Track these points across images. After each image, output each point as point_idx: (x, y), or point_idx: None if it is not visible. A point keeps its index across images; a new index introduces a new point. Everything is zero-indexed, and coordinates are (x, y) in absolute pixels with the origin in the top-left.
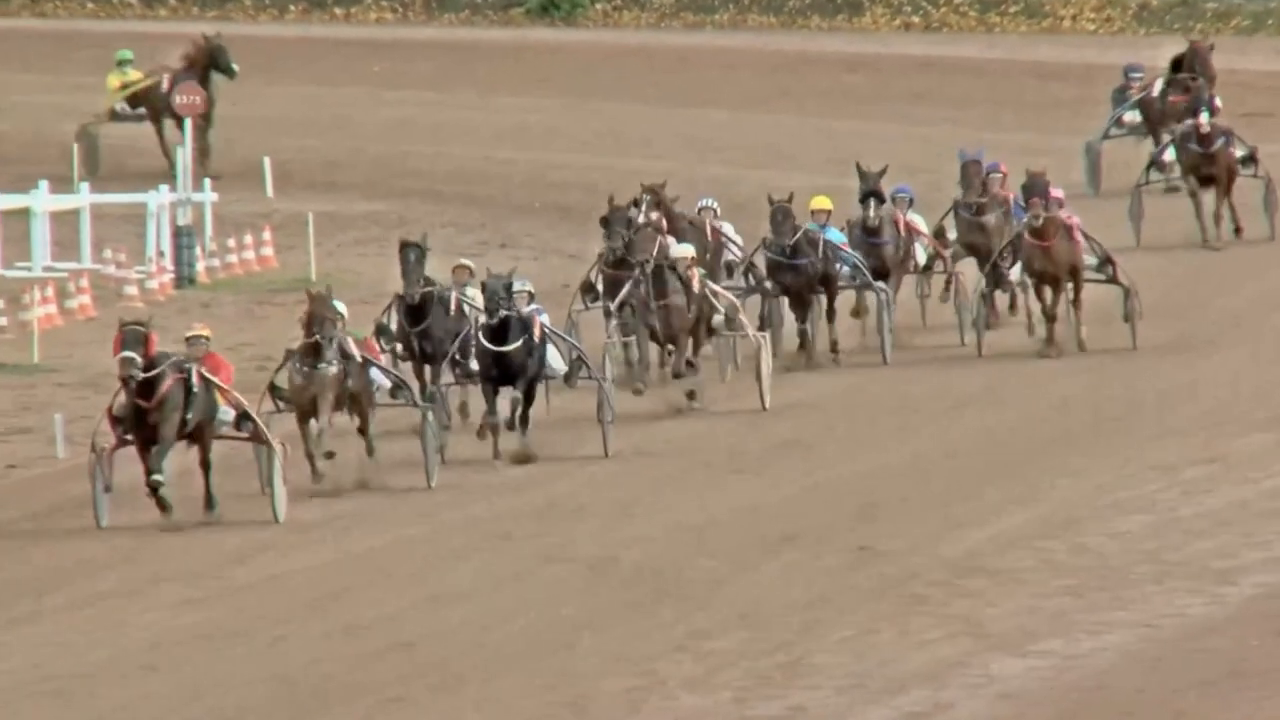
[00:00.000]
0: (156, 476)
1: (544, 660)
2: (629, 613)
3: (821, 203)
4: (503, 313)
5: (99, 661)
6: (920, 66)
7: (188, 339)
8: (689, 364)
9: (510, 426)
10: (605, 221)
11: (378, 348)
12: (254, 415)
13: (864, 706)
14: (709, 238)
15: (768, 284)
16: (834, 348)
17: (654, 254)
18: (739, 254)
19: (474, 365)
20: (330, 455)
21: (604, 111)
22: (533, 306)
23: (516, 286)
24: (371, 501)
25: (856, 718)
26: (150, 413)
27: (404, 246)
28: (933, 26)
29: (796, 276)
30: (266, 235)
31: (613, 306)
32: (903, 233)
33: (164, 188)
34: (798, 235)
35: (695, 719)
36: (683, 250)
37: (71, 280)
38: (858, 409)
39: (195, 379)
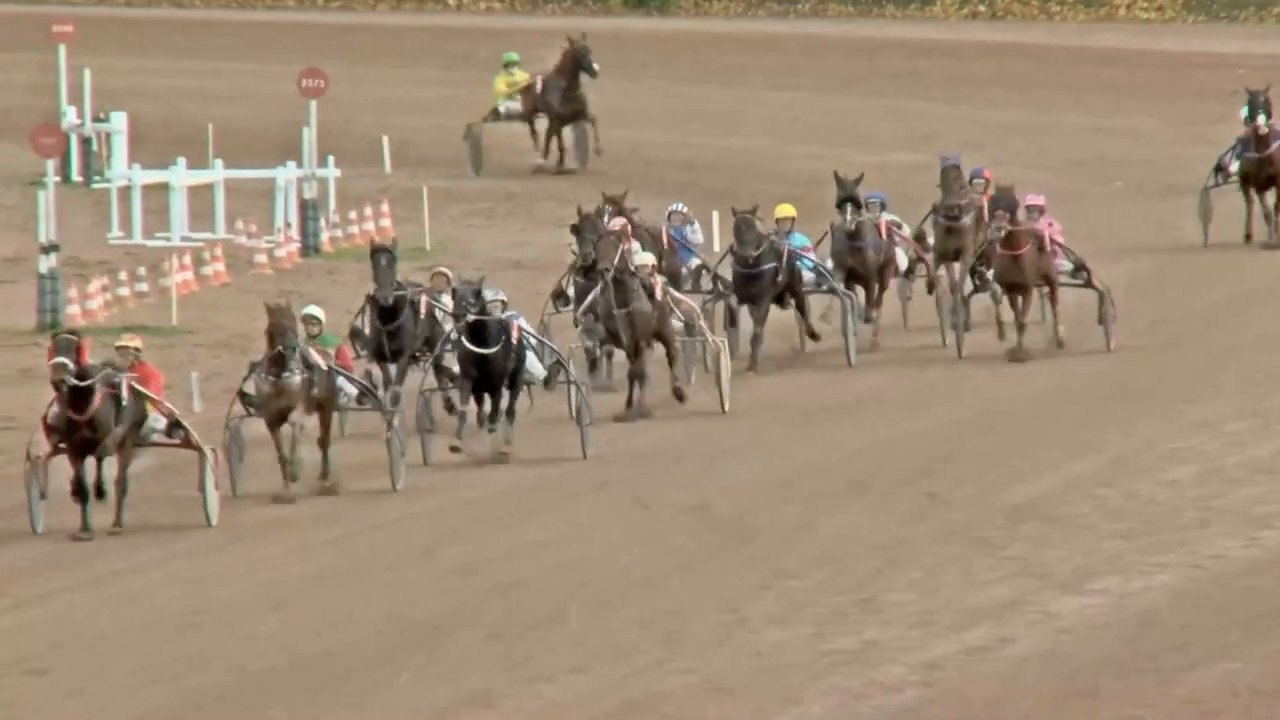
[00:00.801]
0: (94, 484)
1: (640, 598)
2: (718, 554)
3: (785, 210)
4: (480, 316)
5: (230, 599)
6: (986, 52)
7: (117, 348)
8: (676, 388)
9: (486, 423)
10: (576, 229)
11: (350, 354)
12: (184, 423)
13: (932, 641)
14: (664, 245)
15: (732, 296)
16: (812, 334)
17: (615, 262)
18: (694, 260)
19: (455, 368)
20: (295, 472)
21: (692, 95)
22: (509, 313)
23: (489, 295)
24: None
25: (925, 651)
26: (82, 426)
27: (375, 251)
28: (998, 15)
29: (760, 285)
30: (385, 208)
31: (579, 312)
32: (883, 236)
33: (290, 164)
34: (762, 246)
35: (777, 651)
36: (644, 258)
37: (207, 249)
38: (916, 377)
39: (125, 391)
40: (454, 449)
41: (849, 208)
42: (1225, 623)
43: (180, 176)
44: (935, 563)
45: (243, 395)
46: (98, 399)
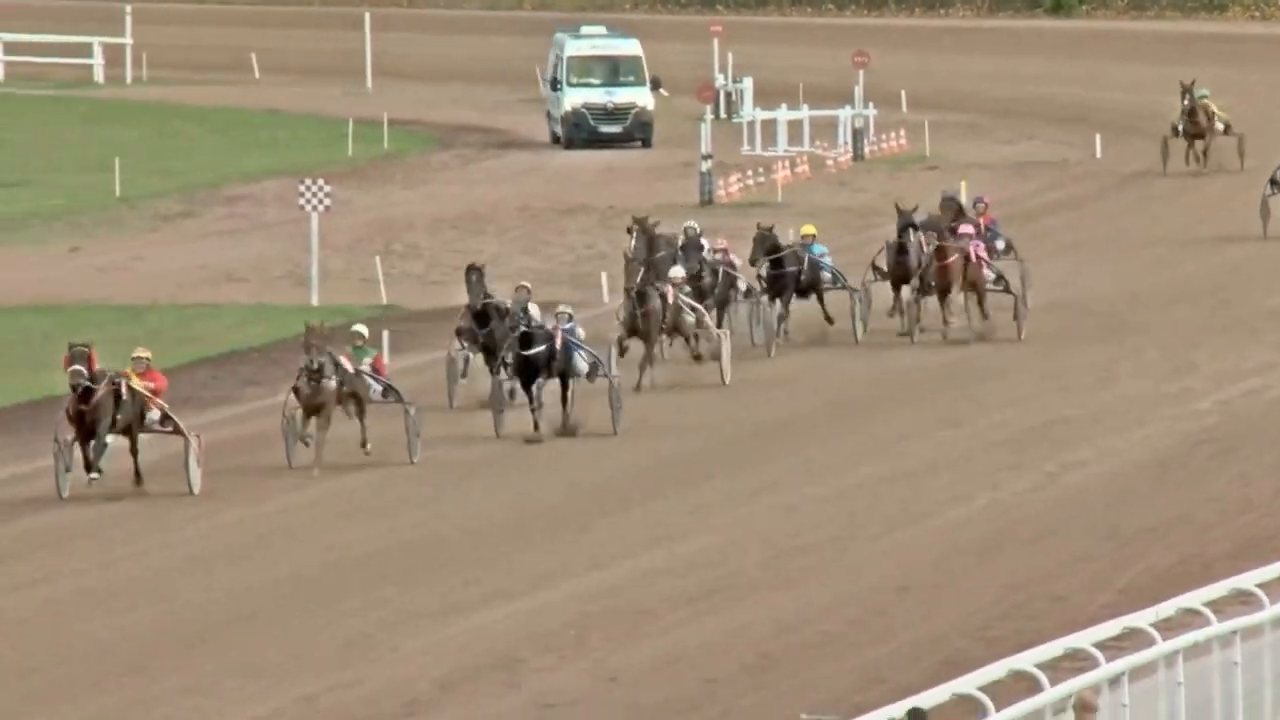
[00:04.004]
0: (93, 475)
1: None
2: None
3: (808, 229)
4: (522, 327)
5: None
6: None
7: (133, 359)
8: (696, 355)
9: (533, 410)
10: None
11: (385, 363)
12: (173, 416)
13: (1219, 389)
14: (679, 251)
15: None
16: (829, 320)
17: (637, 282)
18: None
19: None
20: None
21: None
22: (569, 324)
23: (561, 309)
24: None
25: (1220, 394)
26: (88, 414)
27: (468, 270)
28: None
29: (784, 282)
30: (902, 134)
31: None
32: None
33: (846, 106)
34: (783, 251)
35: (1129, 398)
36: (675, 272)
37: (798, 157)
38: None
39: (125, 390)
40: (529, 440)
41: (910, 232)
42: None
43: (783, 114)
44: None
45: (296, 390)
46: (100, 393)
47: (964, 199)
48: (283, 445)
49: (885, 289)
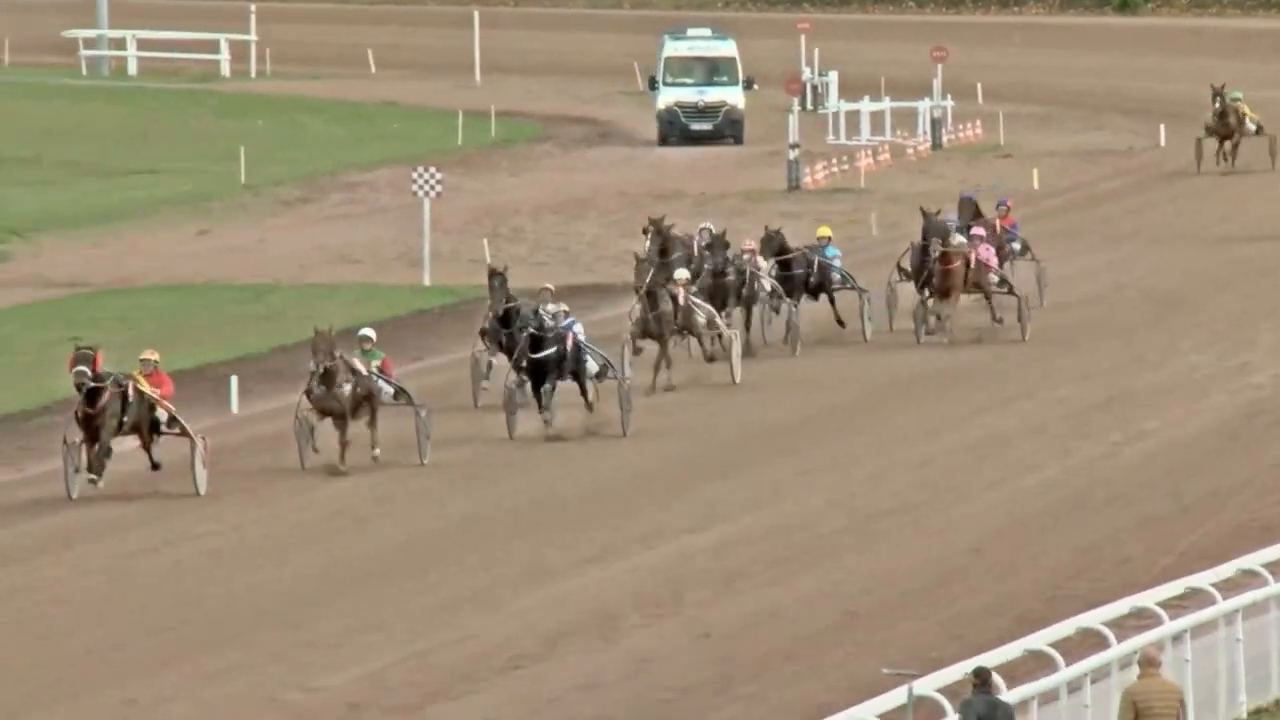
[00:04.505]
0: (92, 477)
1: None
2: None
3: (823, 231)
4: (529, 331)
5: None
6: None
7: (140, 360)
8: (709, 357)
9: (541, 409)
10: (655, 232)
11: (391, 365)
12: (179, 418)
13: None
14: (696, 254)
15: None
16: (840, 323)
17: (646, 282)
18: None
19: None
20: (342, 470)
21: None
22: (569, 320)
23: (551, 309)
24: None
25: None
26: (94, 417)
27: (491, 275)
28: None
29: (793, 283)
30: (977, 124)
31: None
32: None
33: (925, 98)
34: (792, 253)
35: (1195, 367)
36: (680, 274)
37: (880, 146)
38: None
39: (131, 392)
40: (546, 423)
41: (934, 240)
42: None
43: (866, 106)
44: None
45: (308, 393)
46: (106, 397)
47: (1035, 185)
48: (298, 446)
49: (909, 289)
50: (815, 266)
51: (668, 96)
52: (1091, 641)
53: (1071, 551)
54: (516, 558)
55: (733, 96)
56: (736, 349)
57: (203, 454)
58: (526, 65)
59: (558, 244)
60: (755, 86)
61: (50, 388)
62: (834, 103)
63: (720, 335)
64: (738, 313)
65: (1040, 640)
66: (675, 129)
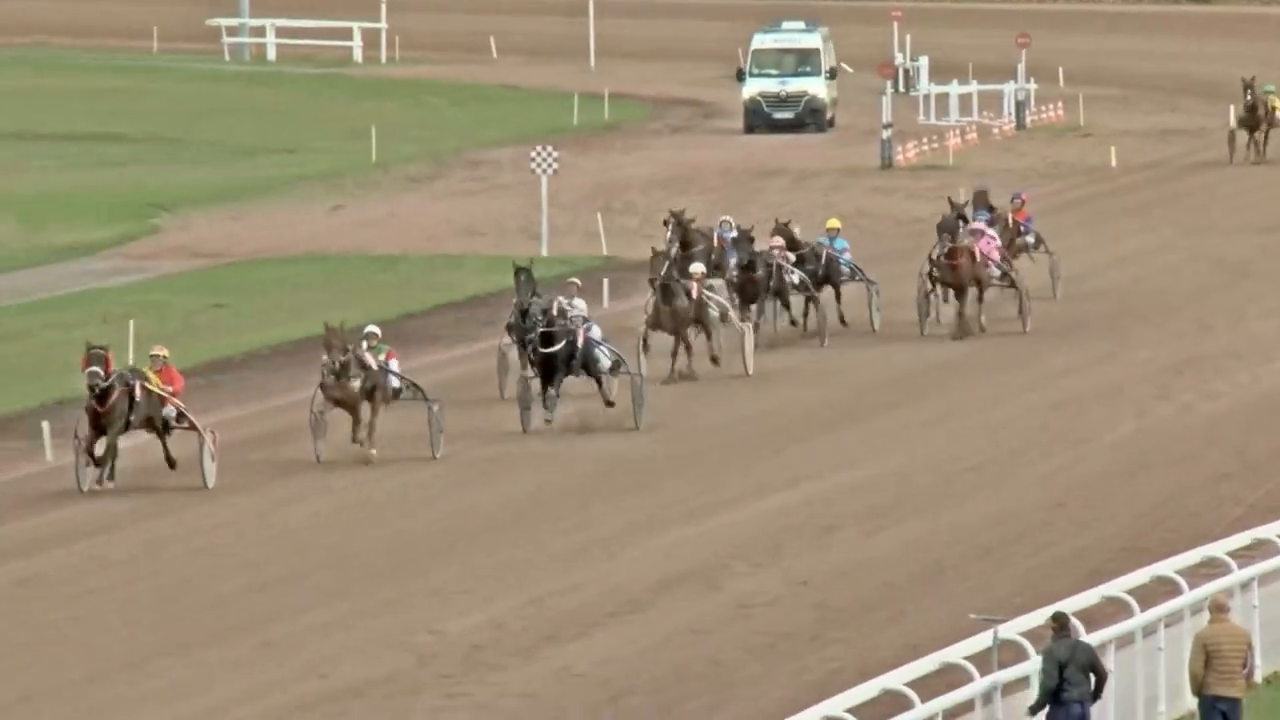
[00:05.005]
0: (108, 484)
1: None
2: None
3: (833, 223)
4: (539, 328)
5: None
6: None
7: (150, 356)
8: (713, 358)
9: (548, 404)
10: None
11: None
12: (188, 413)
13: None
14: (717, 246)
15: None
16: (842, 321)
17: (662, 274)
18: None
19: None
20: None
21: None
22: (586, 323)
23: (570, 311)
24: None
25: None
26: (103, 416)
27: (516, 271)
28: None
29: (754, 283)
30: (1059, 106)
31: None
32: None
33: (1010, 81)
34: (803, 249)
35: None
36: (695, 268)
37: (967, 127)
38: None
39: (139, 390)
40: (547, 420)
41: (945, 236)
42: None
43: (955, 88)
44: None
45: (323, 387)
46: (114, 396)
47: (1113, 163)
48: (312, 437)
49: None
50: (824, 260)
51: (752, 87)
52: (1165, 589)
53: (1147, 505)
54: (626, 512)
55: (814, 86)
56: (749, 342)
57: (211, 448)
58: (638, 51)
59: (666, 217)
60: (846, 66)
61: (199, 350)
62: (924, 86)
63: (733, 329)
64: (769, 306)
65: (1117, 588)
66: (759, 118)
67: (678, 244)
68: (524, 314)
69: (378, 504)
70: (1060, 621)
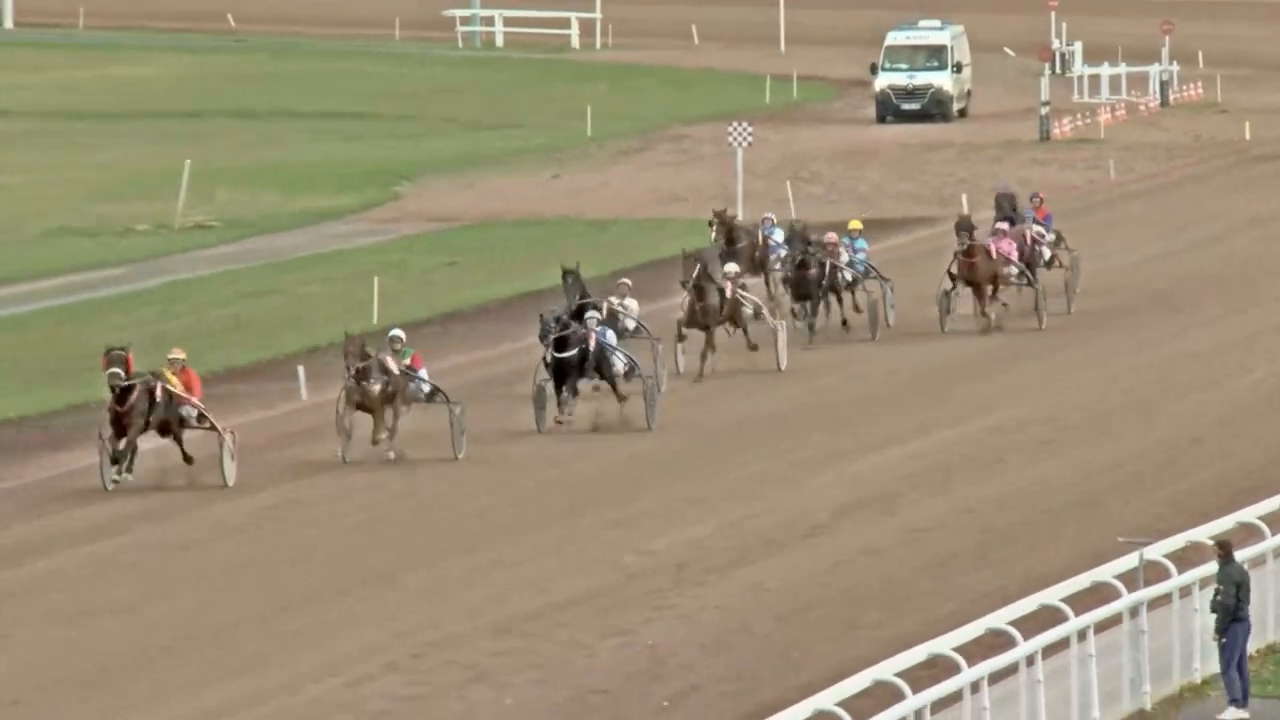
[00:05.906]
0: (125, 476)
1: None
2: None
3: (855, 224)
4: (553, 334)
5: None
6: None
7: (168, 359)
8: (752, 346)
9: (564, 405)
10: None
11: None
12: (207, 414)
13: None
14: (760, 243)
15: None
16: (844, 323)
17: (694, 276)
18: (781, 251)
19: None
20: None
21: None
22: (600, 328)
23: (630, 303)
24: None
25: None
26: (123, 416)
27: (564, 274)
28: None
29: (807, 280)
30: (1199, 85)
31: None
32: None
33: (1156, 63)
34: (809, 253)
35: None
36: (729, 268)
37: (1117, 104)
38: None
39: (159, 391)
40: (558, 420)
41: (963, 233)
42: None
43: (1106, 70)
44: None
45: (346, 391)
46: (134, 396)
47: (1247, 136)
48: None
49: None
50: (826, 268)
51: (883, 81)
52: None
53: (1278, 439)
54: (813, 445)
55: (939, 79)
56: (782, 338)
57: (231, 448)
58: (824, 38)
59: (848, 185)
60: (1009, 50)
61: (436, 302)
62: (1079, 67)
63: (767, 326)
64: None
65: (1251, 514)
66: (888, 109)
67: (723, 240)
68: (576, 315)
69: (601, 434)
70: (1225, 549)
